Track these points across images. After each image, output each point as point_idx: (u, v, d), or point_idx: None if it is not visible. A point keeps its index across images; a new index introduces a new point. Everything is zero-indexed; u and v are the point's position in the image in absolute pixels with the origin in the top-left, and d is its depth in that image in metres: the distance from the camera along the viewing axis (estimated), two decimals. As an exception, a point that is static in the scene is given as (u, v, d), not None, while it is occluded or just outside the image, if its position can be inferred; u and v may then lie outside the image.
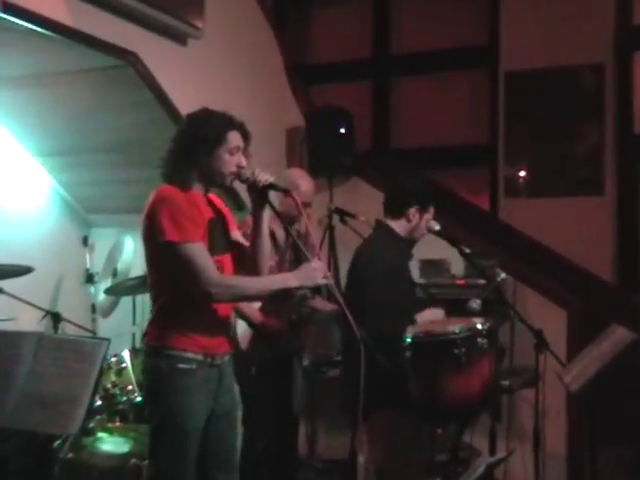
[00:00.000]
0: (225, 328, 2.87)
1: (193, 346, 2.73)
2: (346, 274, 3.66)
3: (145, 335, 2.82)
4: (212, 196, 2.95)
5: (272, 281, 2.86)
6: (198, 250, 2.67)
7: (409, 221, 3.55)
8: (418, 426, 3.48)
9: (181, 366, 2.71)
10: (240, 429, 3.68)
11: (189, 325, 2.73)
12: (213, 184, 2.86)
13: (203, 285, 2.65)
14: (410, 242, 3.65)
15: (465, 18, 6.42)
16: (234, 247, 2.94)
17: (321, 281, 2.74)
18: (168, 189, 2.75)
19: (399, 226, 3.58)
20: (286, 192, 3.01)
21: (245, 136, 2.86)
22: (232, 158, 2.80)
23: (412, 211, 3.55)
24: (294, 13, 7.15)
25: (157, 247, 2.69)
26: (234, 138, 2.81)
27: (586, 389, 3.43)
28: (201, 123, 2.79)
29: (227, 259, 2.87)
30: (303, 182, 3.96)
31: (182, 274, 2.67)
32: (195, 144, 2.76)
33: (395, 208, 3.57)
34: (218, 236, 2.84)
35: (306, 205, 3.91)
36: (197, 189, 2.81)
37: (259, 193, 2.86)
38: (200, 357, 2.74)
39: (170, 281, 2.73)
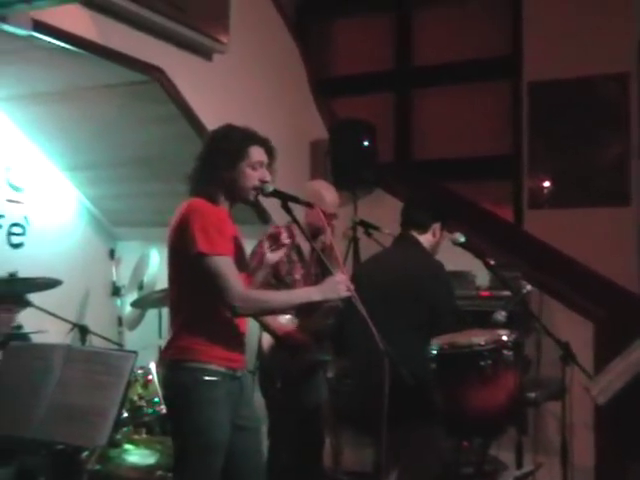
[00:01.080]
0: (242, 343, 2.89)
1: (216, 358, 2.74)
2: (377, 286, 3.59)
3: (166, 349, 2.83)
4: None
5: (296, 295, 2.91)
6: (227, 263, 2.70)
7: (434, 236, 3.62)
8: (444, 439, 3.46)
9: (206, 378, 2.72)
10: (265, 442, 3.68)
11: (212, 338, 2.74)
12: (237, 199, 2.88)
13: (230, 298, 2.67)
14: None
15: (487, 29, 6.41)
16: (247, 267, 2.98)
17: (344, 294, 2.75)
18: (199, 202, 2.78)
19: (425, 240, 3.62)
20: (310, 205, 3.02)
21: (269, 152, 2.89)
22: (255, 173, 2.82)
23: (436, 227, 3.62)
24: (316, 26, 7.18)
25: (186, 258, 2.70)
26: (256, 153, 2.84)
27: (614, 402, 3.38)
28: (222, 138, 2.83)
29: (244, 278, 2.88)
30: (327, 193, 3.98)
31: (209, 286, 2.68)
32: (217, 159, 2.80)
33: (421, 223, 3.62)
34: (239, 255, 2.87)
35: (332, 216, 3.92)
36: (223, 205, 2.85)
37: (281, 207, 2.88)
38: (223, 369, 2.75)
39: (195, 293, 2.74)
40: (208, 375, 2.72)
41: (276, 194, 2.88)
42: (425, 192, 3.93)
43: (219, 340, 2.75)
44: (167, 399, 2.92)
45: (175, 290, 2.82)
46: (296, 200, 2.96)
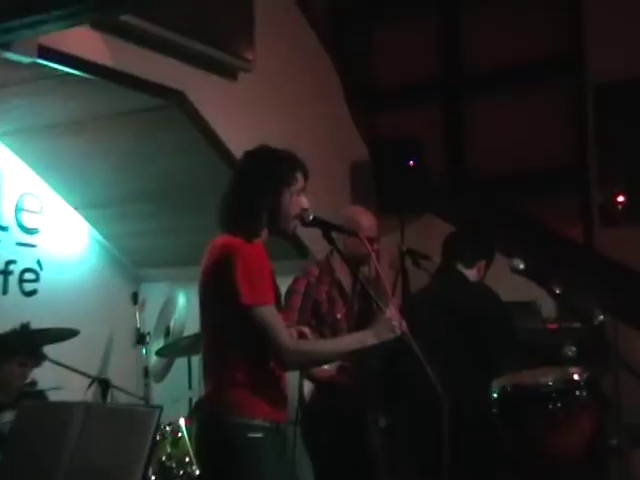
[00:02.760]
0: (286, 395, 2.89)
1: (261, 413, 2.74)
2: (429, 323, 3.61)
3: (202, 404, 2.85)
4: None
5: (348, 342, 2.89)
6: (273, 313, 2.71)
7: (478, 273, 3.74)
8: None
9: (250, 435, 2.72)
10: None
11: (254, 391, 2.74)
12: (277, 231, 2.87)
13: (277, 351, 2.70)
14: None
15: (545, 26, 6.37)
16: (280, 306, 2.98)
17: (399, 332, 2.75)
18: (237, 242, 2.74)
19: (470, 275, 3.74)
20: (354, 234, 3.04)
21: (307, 176, 2.91)
22: (297, 200, 2.84)
23: (481, 264, 3.76)
24: (352, 35, 7.23)
25: (227, 307, 2.71)
26: (300, 178, 2.86)
27: None
28: (264, 161, 2.83)
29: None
30: (363, 218, 4.00)
31: (252, 337, 2.70)
32: (259, 184, 2.79)
33: (468, 257, 3.75)
34: (276, 295, 2.87)
35: (372, 241, 3.93)
36: (260, 238, 2.82)
37: (323, 237, 2.89)
38: (268, 424, 2.76)
39: (236, 344, 2.75)
40: (252, 432, 2.72)
41: (317, 223, 2.89)
42: (475, 223, 3.99)
43: (262, 392, 2.75)
44: (204, 460, 2.91)
45: (212, 339, 2.83)
46: (339, 229, 2.98)
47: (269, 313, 2.70)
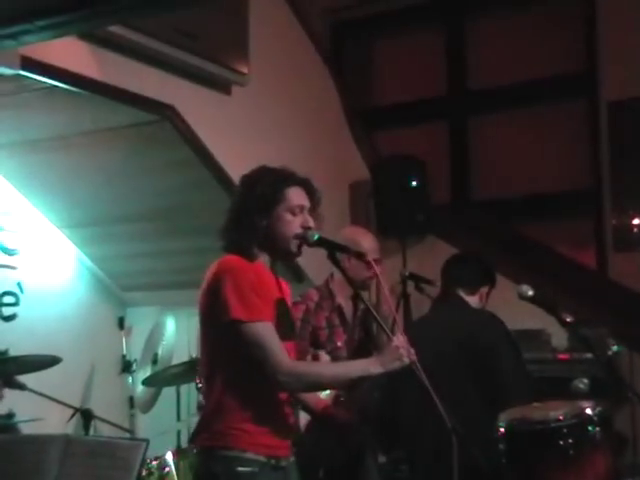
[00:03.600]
0: (289, 427, 2.85)
1: (255, 445, 2.70)
2: (431, 354, 3.60)
3: (195, 434, 2.81)
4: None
5: (353, 368, 2.84)
6: (267, 330, 2.68)
7: (480, 300, 3.73)
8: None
9: (241, 469, 2.67)
10: None
11: (251, 421, 2.71)
12: (277, 252, 2.86)
13: (272, 371, 2.65)
14: None
15: (555, 43, 6.40)
16: (295, 334, 2.96)
17: (406, 361, 2.71)
18: (233, 259, 2.76)
19: (472, 302, 3.71)
20: (361, 256, 3.03)
21: (311, 194, 2.89)
22: (295, 219, 2.82)
23: (484, 291, 3.75)
24: (353, 49, 7.26)
25: (219, 327, 2.69)
26: (295, 196, 2.84)
27: None
28: (255, 182, 2.83)
29: (291, 347, 2.86)
30: (364, 239, 3.99)
31: (247, 358, 2.67)
32: (249, 205, 2.80)
33: (470, 284, 3.74)
34: (283, 319, 2.83)
35: (377, 262, 3.92)
36: (262, 260, 2.83)
37: (328, 258, 2.88)
38: (262, 458, 2.71)
39: (230, 367, 2.72)
40: (243, 465, 2.68)
41: (322, 243, 2.87)
42: (476, 249, 4.03)
43: (259, 423, 2.72)
44: None
45: (206, 361, 2.82)
46: (345, 250, 2.96)
47: (262, 330, 2.66)
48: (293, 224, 2.81)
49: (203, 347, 2.82)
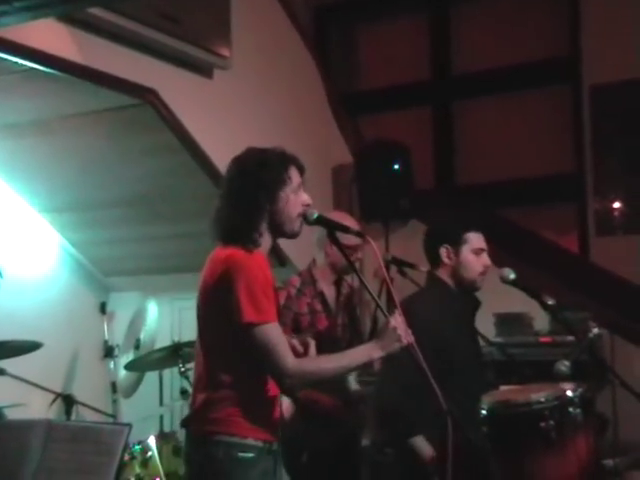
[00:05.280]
0: (279, 412, 2.86)
1: (254, 431, 2.73)
2: None
3: (192, 420, 2.81)
4: None
5: (354, 357, 2.82)
6: (276, 332, 2.68)
7: (446, 264, 3.54)
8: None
9: (241, 455, 2.70)
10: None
11: (250, 409, 2.73)
12: (283, 234, 2.83)
13: (278, 373, 2.68)
14: (467, 289, 3.61)
15: (539, 27, 6.41)
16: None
17: (405, 342, 2.71)
18: (240, 255, 2.70)
19: (444, 274, 3.57)
20: (361, 236, 2.99)
21: (302, 171, 2.86)
22: (297, 198, 2.80)
23: (444, 252, 3.55)
24: (337, 34, 7.25)
25: (228, 324, 2.68)
26: (295, 174, 2.81)
27: None
28: (258, 165, 2.77)
29: None
30: (347, 223, 3.97)
31: (252, 355, 2.68)
32: (255, 192, 2.74)
33: (430, 256, 3.61)
34: (277, 304, 2.85)
35: (357, 248, 3.91)
36: (261, 248, 2.78)
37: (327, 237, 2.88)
38: (260, 444, 2.74)
39: (235, 361, 2.73)
40: (244, 451, 2.70)
41: (321, 221, 2.85)
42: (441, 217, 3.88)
43: (256, 412, 2.74)
44: (190, 477, 2.86)
45: (208, 356, 2.79)
46: (345, 229, 2.91)
47: (272, 332, 2.67)
48: (296, 204, 2.79)
49: (204, 341, 2.80)
